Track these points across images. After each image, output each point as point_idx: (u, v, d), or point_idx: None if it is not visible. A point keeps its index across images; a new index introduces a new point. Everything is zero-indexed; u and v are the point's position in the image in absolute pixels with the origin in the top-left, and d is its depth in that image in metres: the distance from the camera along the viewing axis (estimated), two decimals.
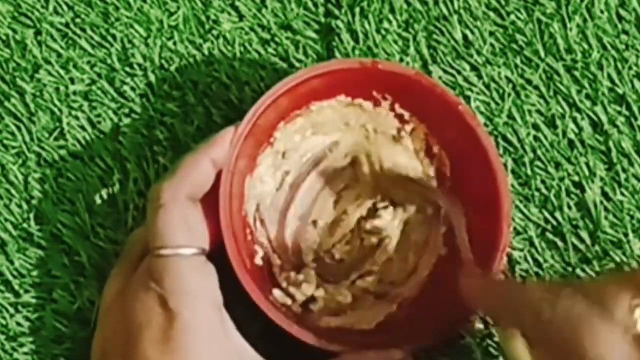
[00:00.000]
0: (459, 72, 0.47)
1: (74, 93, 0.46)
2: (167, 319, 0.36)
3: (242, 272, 0.38)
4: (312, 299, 0.43)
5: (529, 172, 0.46)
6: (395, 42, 0.47)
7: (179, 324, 0.36)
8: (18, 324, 0.43)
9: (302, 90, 0.41)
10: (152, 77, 0.46)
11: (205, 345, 0.36)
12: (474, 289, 0.38)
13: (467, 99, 0.46)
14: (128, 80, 0.46)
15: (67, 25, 0.47)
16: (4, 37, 0.47)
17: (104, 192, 0.44)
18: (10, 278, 0.43)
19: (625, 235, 0.45)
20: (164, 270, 0.37)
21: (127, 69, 0.46)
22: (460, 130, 0.42)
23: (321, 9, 0.48)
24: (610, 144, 0.46)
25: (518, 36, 0.47)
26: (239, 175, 0.41)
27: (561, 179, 0.46)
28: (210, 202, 0.39)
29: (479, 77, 0.47)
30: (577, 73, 0.47)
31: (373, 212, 0.44)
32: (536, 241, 0.45)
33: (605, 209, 0.45)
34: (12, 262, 0.43)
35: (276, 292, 0.42)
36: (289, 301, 0.42)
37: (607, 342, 0.31)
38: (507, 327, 0.35)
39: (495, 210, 0.41)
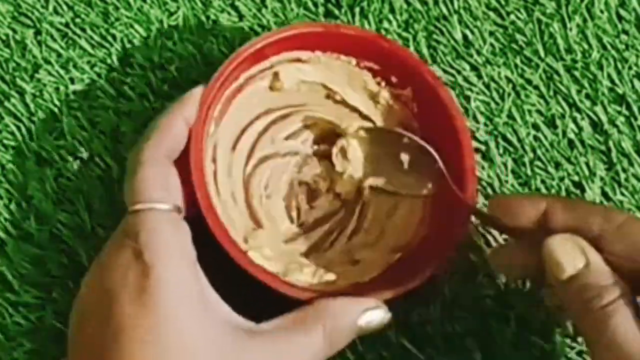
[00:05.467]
0: (459, 72, 0.47)
1: (74, 93, 0.46)
2: (142, 273, 0.36)
3: (218, 229, 0.39)
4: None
5: (529, 172, 0.46)
6: None
7: (153, 276, 0.36)
8: (18, 323, 0.43)
9: (267, 52, 0.42)
10: (152, 77, 0.46)
11: (180, 297, 0.36)
12: (523, 201, 0.39)
13: (467, 99, 0.46)
14: (128, 80, 0.46)
15: (67, 25, 0.47)
16: (4, 37, 0.47)
17: (103, 192, 0.44)
18: (10, 278, 0.43)
19: None
20: (139, 224, 0.37)
21: (127, 69, 0.46)
22: (422, 89, 0.43)
23: (321, 9, 0.48)
24: (610, 144, 0.46)
25: (518, 36, 0.47)
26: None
27: (561, 179, 0.46)
28: (184, 164, 0.40)
29: (479, 77, 0.47)
30: (577, 73, 0.47)
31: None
32: None
33: None
34: (12, 262, 0.43)
35: (252, 254, 0.41)
36: (265, 263, 0.41)
37: None
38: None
39: (461, 165, 0.42)
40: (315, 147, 0.45)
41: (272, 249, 0.42)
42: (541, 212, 0.38)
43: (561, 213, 0.37)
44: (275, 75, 0.44)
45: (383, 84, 0.45)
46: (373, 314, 0.39)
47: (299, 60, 0.44)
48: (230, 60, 0.41)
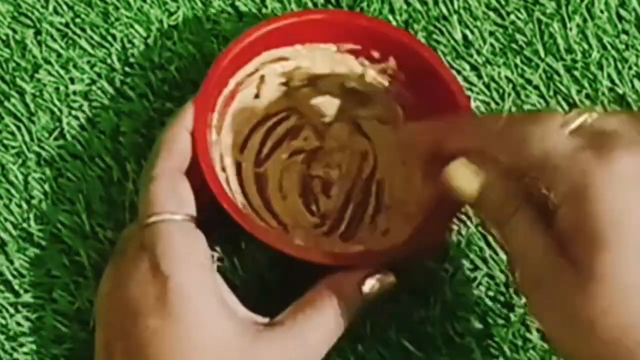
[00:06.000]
0: (459, 72, 0.47)
1: (74, 93, 0.46)
2: (160, 285, 0.36)
3: (235, 210, 0.39)
4: None
5: None
6: None
7: (172, 286, 0.36)
8: (18, 324, 0.43)
9: (249, 53, 0.43)
10: (152, 77, 0.46)
11: (200, 304, 0.37)
12: (418, 131, 0.41)
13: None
14: (128, 80, 0.46)
15: (67, 25, 0.47)
16: (4, 37, 0.47)
17: (103, 192, 0.44)
18: (10, 278, 0.43)
19: None
20: (154, 237, 0.37)
21: (127, 69, 0.46)
22: (404, 56, 0.44)
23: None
24: None
25: (518, 36, 0.47)
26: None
27: None
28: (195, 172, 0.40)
29: (479, 77, 0.47)
30: (577, 73, 0.47)
31: None
32: None
33: None
34: (12, 262, 0.43)
35: None
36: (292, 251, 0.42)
37: (552, 125, 0.34)
38: (453, 158, 0.37)
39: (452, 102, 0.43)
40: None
41: (302, 240, 0.43)
42: (433, 144, 0.39)
43: (451, 142, 0.38)
44: (262, 79, 0.44)
45: (367, 62, 0.45)
46: (373, 279, 0.39)
47: (282, 58, 0.44)
48: (214, 66, 0.42)
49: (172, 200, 0.38)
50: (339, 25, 0.44)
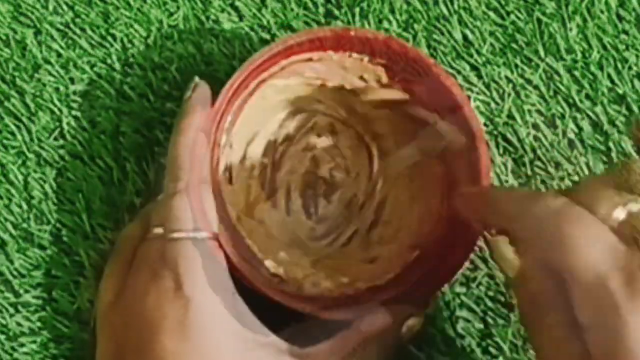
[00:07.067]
0: (459, 72, 0.47)
1: (74, 93, 0.46)
2: (181, 306, 0.36)
3: (232, 252, 0.39)
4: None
5: (529, 172, 0.46)
6: None
7: (192, 309, 0.36)
8: (18, 324, 0.43)
9: (277, 59, 0.42)
10: (152, 77, 0.46)
11: (220, 328, 0.36)
12: (467, 200, 0.39)
13: (467, 99, 0.46)
14: (128, 80, 0.46)
15: (67, 25, 0.47)
16: (4, 37, 0.47)
17: (103, 192, 0.44)
18: (10, 278, 0.43)
19: None
20: (178, 254, 0.37)
21: (127, 69, 0.46)
22: (435, 89, 0.43)
23: (321, 9, 0.48)
24: (610, 144, 0.46)
25: (518, 36, 0.47)
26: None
27: (561, 179, 0.46)
28: None
29: (479, 77, 0.47)
30: (577, 73, 0.47)
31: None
32: None
33: None
34: (12, 262, 0.43)
35: (268, 263, 0.41)
36: (281, 270, 0.41)
37: (590, 235, 0.32)
38: (497, 233, 0.35)
39: (475, 157, 0.42)
40: (330, 138, 0.45)
41: (288, 252, 0.42)
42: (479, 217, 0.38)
43: (491, 220, 0.37)
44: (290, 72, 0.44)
45: (396, 78, 0.44)
46: (412, 321, 0.39)
47: (310, 59, 0.44)
48: (239, 74, 0.41)
49: (198, 217, 0.38)
50: (375, 45, 0.43)
